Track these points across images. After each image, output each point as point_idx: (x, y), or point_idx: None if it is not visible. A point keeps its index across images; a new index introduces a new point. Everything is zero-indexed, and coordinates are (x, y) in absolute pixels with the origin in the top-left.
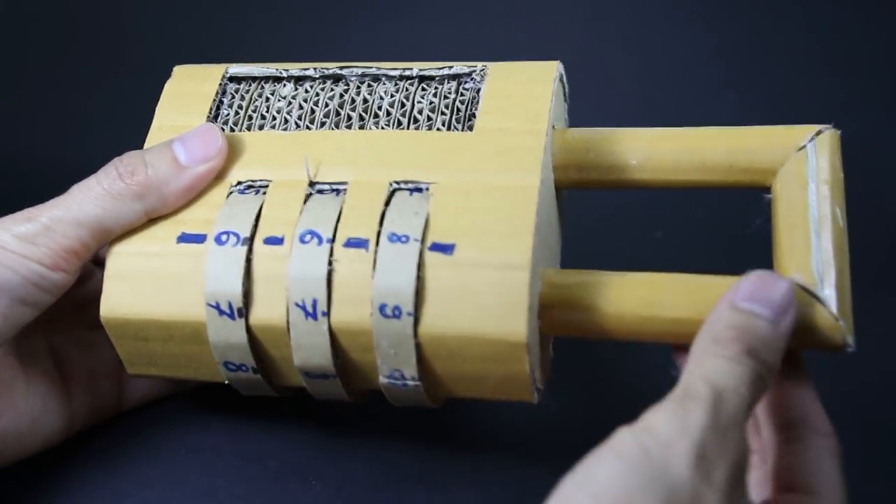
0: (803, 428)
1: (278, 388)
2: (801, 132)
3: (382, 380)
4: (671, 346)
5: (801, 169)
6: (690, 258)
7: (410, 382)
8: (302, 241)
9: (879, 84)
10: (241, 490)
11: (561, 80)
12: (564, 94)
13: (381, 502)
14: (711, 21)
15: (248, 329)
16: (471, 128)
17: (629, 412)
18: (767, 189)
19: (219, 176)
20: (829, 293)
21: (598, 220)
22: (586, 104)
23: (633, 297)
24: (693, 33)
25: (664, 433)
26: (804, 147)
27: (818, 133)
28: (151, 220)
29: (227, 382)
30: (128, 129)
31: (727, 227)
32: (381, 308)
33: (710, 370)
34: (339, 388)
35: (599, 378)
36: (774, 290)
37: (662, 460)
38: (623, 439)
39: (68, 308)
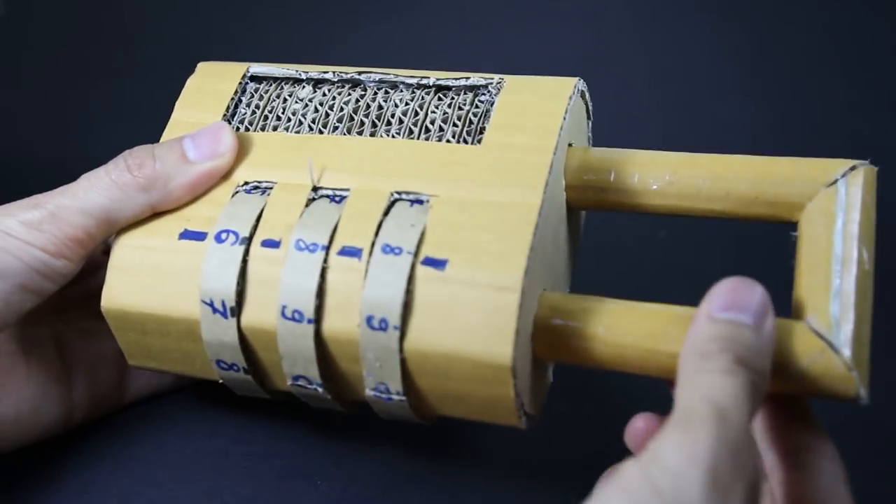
0: (806, 452)
1: (270, 391)
2: (833, 166)
3: (368, 392)
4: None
5: (830, 205)
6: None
7: (395, 397)
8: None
9: (889, 84)
10: (247, 490)
11: (582, 96)
12: (588, 112)
13: (386, 503)
14: (723, 23)
15: (240, 330)
16: (480, 141)
17: (629, 412)
18: (794, 225)
19: (226, 175)
20: (843, 340)
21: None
22: (594, 106)
23: (633, 327)
24: (704, 35)
25: (673, 463)
26: (835, 182)
27: (852, 168)
28: (157, 215)
29: (221, 381)
30: (131, 126)
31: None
32: (369, 319)
33: (705, 387)
34: (325, 396)
35: (601, 378)
36: (750, 295)
37: (674, 494)
38: (630, 474)
39: (75, 297)
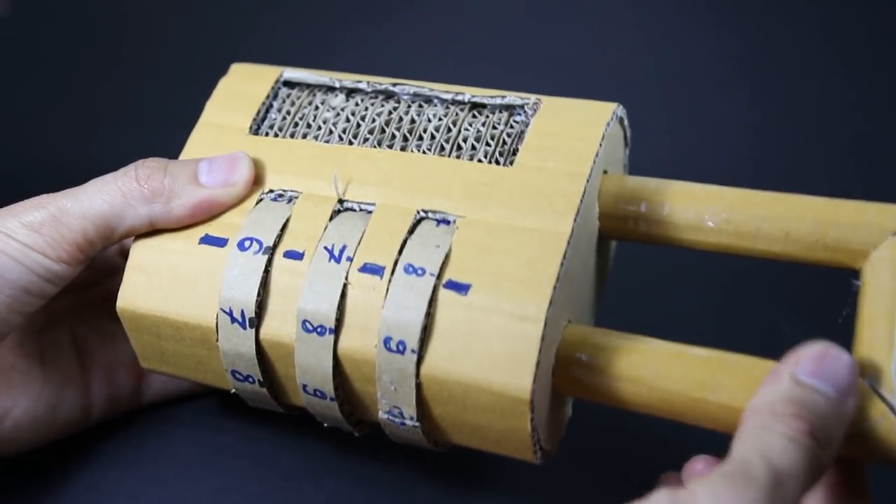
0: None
1: (284, 405)
2: None
3: (382, 415)
4: None
5: None
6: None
7: (409, 422)
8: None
9: (892, 83)
10: (254, 489)
11: (621, 123)
12: (625, 139)
13: (394, 503)
14: (725, 22)
15: (258, 341)
16: (512, 163)
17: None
18: (856, 272)
19: (254, 180)
20: None
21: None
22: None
23: (652, 368)
24: (706, 35)
25: None
26: None
27: None
28: None
29: (233, 392)
30: (140, 127)
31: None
32: (386, 341)
33: (768, 447)
34: (336, 412)
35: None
36: (839, 367)
37: None
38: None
39: (95, 300)
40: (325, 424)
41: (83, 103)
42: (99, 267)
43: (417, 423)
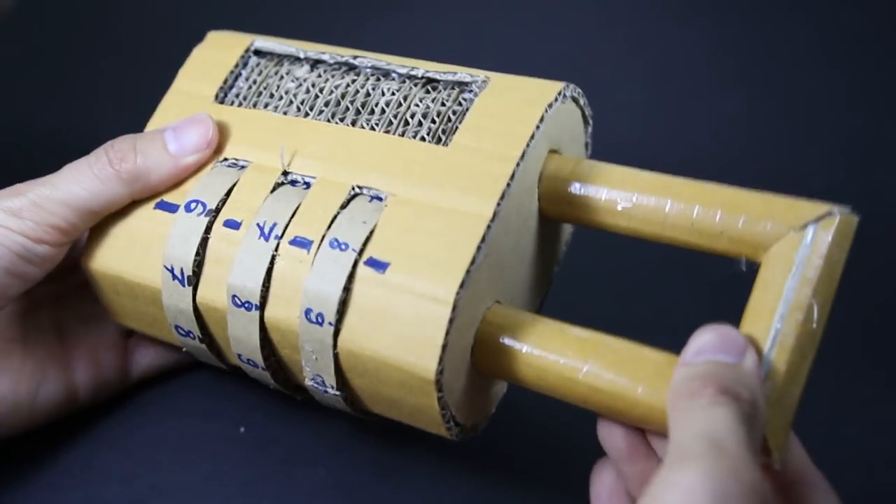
0: (801, 486)
1: (227, 364)
2: (807, 209)
3: (307, 381)
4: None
5: (792, 252)
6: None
7: (330, 390)
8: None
9: (886, 81)
10: (246, 474)
11: (576, 102)
12: (585, 118)
13: (387, 489)
14: (722, 21)
15: (195, 303)
16: (449, 142)
17: None
18: (757, 265)
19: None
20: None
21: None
22: (592, 102)
23: (557, 352)
24: (703, 33)
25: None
26: (805, 227)
27: (828, 214)
28: None
29: (184, 349)
30: (142, 114)
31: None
32: (307, 312)
33: (694, 424)
34: (269, 379)
35: None
36: (726, 338)
37: None
38: None
39: (76, 284)
40: (271, 387)
41: (87, 93)
42: (75, 253)
43: (338, 392)
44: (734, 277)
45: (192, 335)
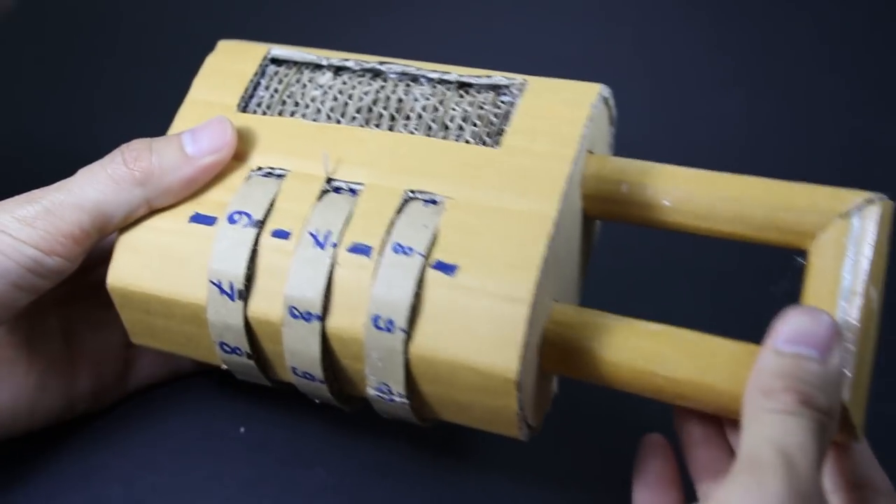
0: (866, 489)
1: (273, 379)
2: (850, 197)
3: (370, 391)
4: (673, 408)
5: (842, 238)
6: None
7: (397, 398)
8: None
9: (886, 81)
10: (246, 475)
11: (606, 103)
12: (611, 119)
13: (386, 490)
14: (723, 20)
15: (246, 317)
16: (498, 144)
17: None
18: (802, 252)
19: (241, 159)
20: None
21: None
22: None
23: (632, 347)
24: (704, 33)
25: None
26: (849, 214)
27: (868, 201)
28: None
29: (224, 367)
30: (146, 118)
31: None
32: (375, 319)
33: (770, 431)
34: (326, 392)
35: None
36: (818, 326)
37: None
38: None
39: (85, 288)
40: (317, 401)
41: (87, 94)
42: (90, 255)
43: (406, 400)
44: (734, 274)
45: (239, 351)
